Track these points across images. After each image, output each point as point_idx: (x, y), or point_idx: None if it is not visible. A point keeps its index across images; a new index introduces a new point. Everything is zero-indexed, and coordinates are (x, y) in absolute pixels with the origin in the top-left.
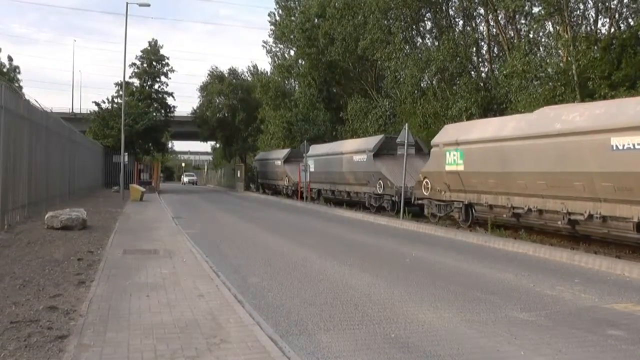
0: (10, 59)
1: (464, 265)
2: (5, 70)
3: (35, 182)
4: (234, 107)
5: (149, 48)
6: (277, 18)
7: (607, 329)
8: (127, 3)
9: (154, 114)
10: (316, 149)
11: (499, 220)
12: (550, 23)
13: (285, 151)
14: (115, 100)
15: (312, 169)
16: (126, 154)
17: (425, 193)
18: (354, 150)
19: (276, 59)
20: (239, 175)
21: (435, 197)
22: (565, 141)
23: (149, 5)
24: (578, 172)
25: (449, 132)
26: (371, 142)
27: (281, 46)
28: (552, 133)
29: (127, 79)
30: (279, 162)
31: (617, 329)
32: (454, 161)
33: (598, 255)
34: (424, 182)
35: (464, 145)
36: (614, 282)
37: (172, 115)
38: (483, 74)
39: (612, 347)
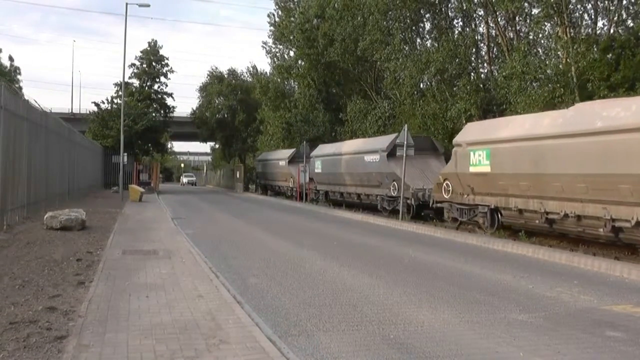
0: (11, 59)
1: (463, 266)
2: (6, 70)
3: (35, 183)
4: (233, 107)
5: (148, 48)
6: (277, 19)
7: (606, 330)
8: (126, 3)
9: (154, 114)
10: (323, 148)
11: (529, 227)
12: (549, 24)
13: (290, 151)
14: (115, 101)
15: (319, 170)
16: (125, 154)
17: (445, 196)
18: (365, 150)
19: (276, 60)
20: (238, 176)
21: (457, 201)
22: (609, 140)
23: (148, 6)
24: (624, 173)
25: (474, 130)
26: (385, 141)
27: (281, 47)
28: (594, 131)
29: (126, 79)
30: (283, 163)
31: (616, 330)
32: (479, 162)
33: (597, 256)
34: (444, 184)
35: (492, 145)
36: (613, 283)
37: (171, 115)
38: (482, 75)
39: (611, 349)
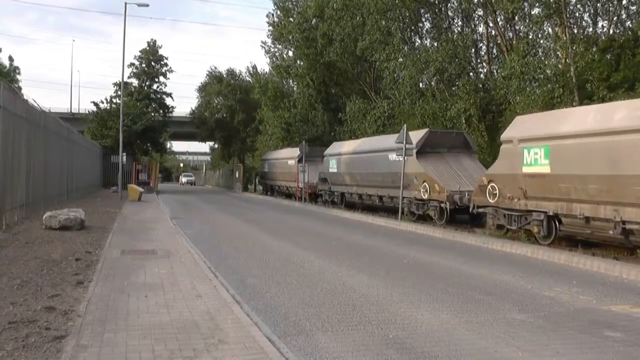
0: (11, 59)
1: (462, 266)
2: (5, 70)
3: (34, 182)
4: (232, 107)
5: (147, 48)
6: (275, 19)
7: (605, 331)
8: (125, 3)
9: (153, 114)
10: (339, 146)
11: (597, 237)
12: (548, 25)
13: (299, 149)
14: (114, 101)
15: (334, 170)
16: (124, 154)
17: (490, 200)
18: (390, 147)
19: (275, 60)
20: (237, 175)
21: (505, 206)
22: None
23: (147, 6)
24: None
25: (527, 124)
26: (413, 137)
27: (280, 47)
28: None
29: (125, 79)
30: (292, 162)
31: (615, 330)
32: (535, 161)
33: (596, 257)
34: (489, 186)
35: (552, 141)
36: (612, 283)
37: (170, 115)
38: (482, 75)
39: (610, 349)
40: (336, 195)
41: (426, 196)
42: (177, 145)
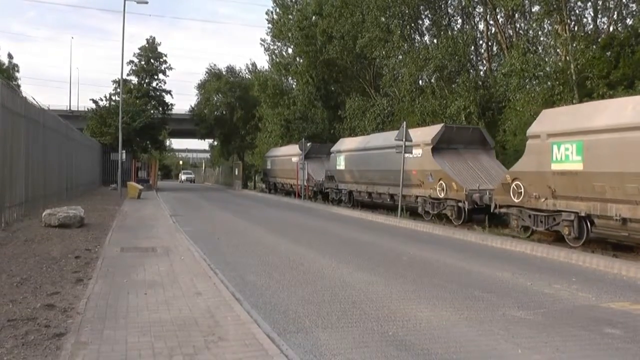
0: (10, 56)
1: (462, 263)
2: (4, 67)
3: (33, 180)
4: (232, 105)
5: (146, 45)
6: (275, 16)
7: (604, 328)
8: (124, 0)
9: (152, 111)
10: (347, 142)
11: (634, 240)
12: (548, 22)
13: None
14: (113, 98)
15: (341, 167)
16: (124, 151)
17: (514, 199)
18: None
19: (274, 57)
20: (236, 173)
21: (530, 206)
22: None
23: (146, 2)
24: None
25: (557, 117)
26: (429, 133)
27: (279, 44)
28: None
29: (124, 76)
30: (296, 159)
31: (614, 327)
32: (565, 157)
33: (595, 254)
34: (513, 185)
35: (586, 136)
36: (611, 281)
37: (170, 112)
38: (482, 73)
39: (609, 346)
40: (344, 193)
41: (442, 195)
42: (177, 143)
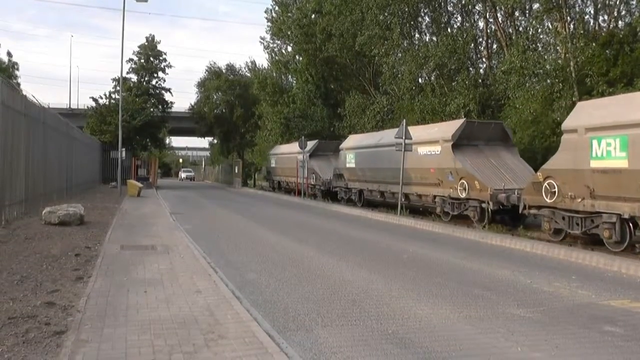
0: (9, 54)
1: (462, 261)
2: (4, 66)
3: (33, 178)
4: (231, 103)
5: (146, 43)
6: (274, 14)
7: (604, 326)
8: None
9: (152, 109)
10: (358, 139)
11: None
12: (548, 20)
13: (311, 144)
14: (113, 96)
15: (351, 165)
16: (123, 149)
17: (546, 199)
18: (421, 140)
19: (273, 55)
20: (236, 171)
21: (565, 206)
22: None
23: (146, 1)
24: None
25: (598, 110)
26: (448, 128)
27: (278, 42)
28: None
29: (124, 74)
30: (302, 157)
31: (614, 325)
32: (607, 154)
33: (595, 252)
34: (545, 184)
35: (632, 130)
36: (611, 279)
37: (169, 111)
38: (481, 71)
39: (608, 344)
40: (353, 192)
41: (464, 195)
42: (177, 141)
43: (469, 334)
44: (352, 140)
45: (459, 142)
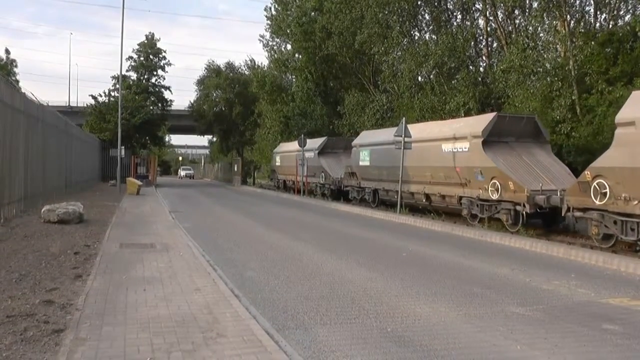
0: (7, 52)
1: (461, 259)
2: (2, 63)
3: (32, 176)
4: (231, 101)
5: (145, 41)
6: (273, 12)
7: (603, 324)
8: None
9: (151, 107)
10: (373, 135)
11: None
12: (548, 18)
13: (320, 140)
14: (112, 94)
15: (365, 163)
16: (123, 147)
17: (595, 201)
18: (444, 136)
19: (273, 53)
20: (236, 169)
21: (617, 209)
22: None
23: None
24: None
25: None
26: (478, 123)
27: (278, 40)
28: None
29: (124, 72)
30: (311, 154)
31: (613, 323)
32: None
33: (594, 250)
34: (595, 184)
35: None
36: (610, 277)
37: (169, 108)
38: (481, 69)
39: (608, 342)
40: (367, 192)
41: (496, 196)
42: (176, 139)
43: (468, 332)
44: (367, 136)
45: (489, 139)
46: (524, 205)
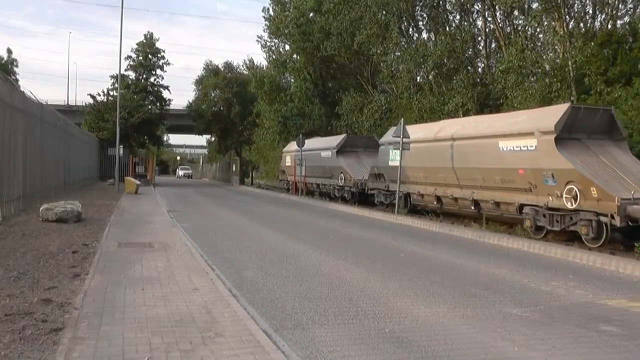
0: (9, 51)
1: (459, 260)
2: (3, 62)
3: (30, 175)
4: (229, 100)
5: (144, 41)
6: (272, 13)
7: (600, 325)
8: None
9: (150, 107)
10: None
11: None
12: (547, 19)
13: (339, 138)
14: (111, 93)
15: (394, 163)
16: (121, 146)
17: None
18: (502, 132)
19: (271, 54)
20: (234, 169)
21: None
22: None
23: None
24: None
25: None
26: (548, 116)
27: (276, 41)
28: None
29: (122, 71)
30: (328, 153)
31: (611, 325)
32: None
33: (592, 251)
34: None
35: None
36: (608, 278)
37: (167, 108)
38: (480, 70)
39: (605, 343)
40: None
41: (573, 205)
42: (174, 138)
43: (466, 333)
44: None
45: (567, 135)
46: (612, 217)
